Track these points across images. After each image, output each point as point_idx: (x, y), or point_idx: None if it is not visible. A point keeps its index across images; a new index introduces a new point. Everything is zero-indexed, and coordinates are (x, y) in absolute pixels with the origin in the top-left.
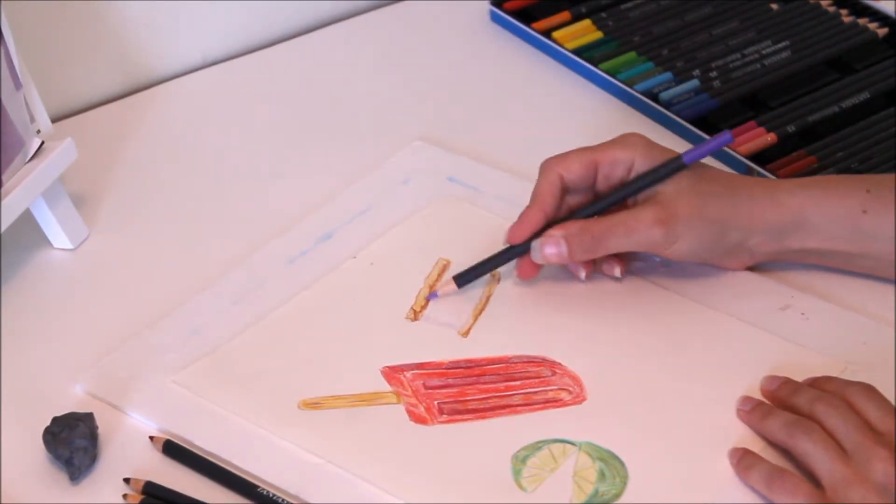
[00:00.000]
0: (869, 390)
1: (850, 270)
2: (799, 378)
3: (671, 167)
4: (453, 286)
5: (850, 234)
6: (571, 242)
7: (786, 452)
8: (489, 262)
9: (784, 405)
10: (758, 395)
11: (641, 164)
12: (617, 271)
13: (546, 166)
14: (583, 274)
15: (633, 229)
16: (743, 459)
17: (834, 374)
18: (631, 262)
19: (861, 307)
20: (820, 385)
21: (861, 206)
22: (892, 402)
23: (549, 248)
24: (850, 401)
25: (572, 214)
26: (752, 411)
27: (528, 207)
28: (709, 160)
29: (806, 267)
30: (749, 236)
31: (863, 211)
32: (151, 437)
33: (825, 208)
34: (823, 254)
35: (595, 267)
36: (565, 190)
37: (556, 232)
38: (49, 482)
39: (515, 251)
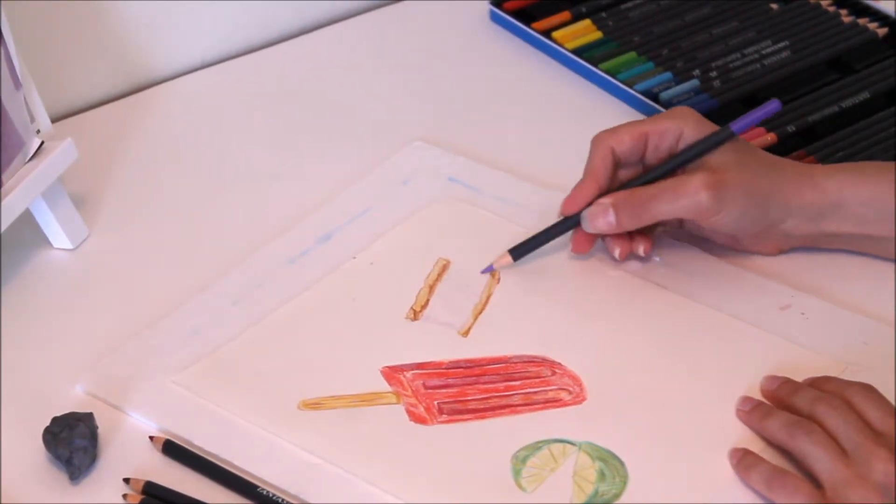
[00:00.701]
0: (869, 390)
1: (879, 255)
2: (799, 378)
3: (720, 136)
4: (509, 259)
5: (882, 217)
6: (619, 209)
7: (786, 453)
8: (544, 234)
9: (784, 405)
10: (758, 395)
11: (690, 134)
12: (641, 249)
13: (597, 140)
14: (617, 252)
15: (681, 193)
16: (743, 460)
17: (834, 375)
18: (627, 263)
19: (861, 307)
20: (819, 385)
21: (893, 190)
22: (892, 402)
23: (597, 217)
24: (850, 401)
25: (623, 186)
26: (751, 411)
27: (581, 180)
28: None
29: (806, 267)
30: (788, 215)
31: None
32: (151, 437)
33: (859, 191)
34: (855, 238)
35: (632, 246)
36: (617, 163)
37: (604, 200)
38: (49, 482)
39: (569, 223)
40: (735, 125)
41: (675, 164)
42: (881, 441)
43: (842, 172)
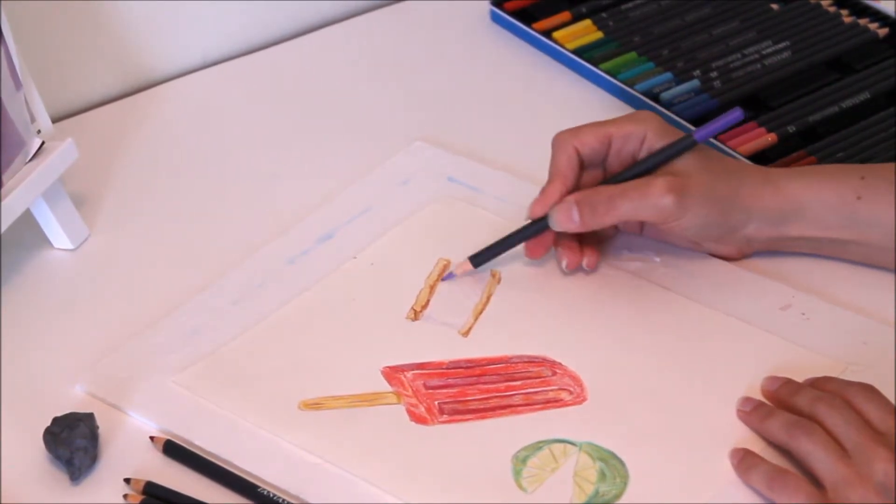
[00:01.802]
0: (869, 390)
1: (843, 258)
2: (799, 378)
3: (683, 144)
4: (469, 266)
5: (845, 221)
6: (582, 207)
7: (786, 453)
8: (507, 241)
9: (785, 405)
10: (758, 396)
11: (653, 139)
12: (585, 262)
13: (561, 140)
14: (564, 262)
15: (645, 194)
16: (744, 460)
17: (834, 375)
18: (627, 263)
19: (861, 307)
20: (820, 385)
21: (855, 193)
22: (892, 402)
23: (561, 214)
24: (851, 401)
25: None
26: (752, 412)
27: (547, 182)
28: None
29: (806, 267)
30: (749, 220)
31: (857, 197)
32: (152, 438)
33: (822, 195)
34: (819, 242)
35: (580, 258)
36: (582, 164)
37: (569, 198)
38: (49, 482)
39: (535, 227)
40: (698, 133)
41: (640, 171)
42: (882, 441)
43: (803, 176)
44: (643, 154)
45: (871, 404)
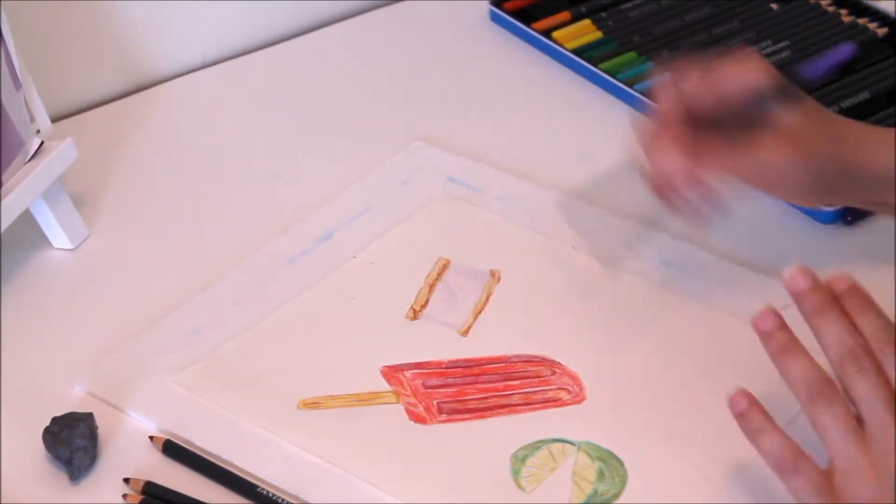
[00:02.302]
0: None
1: None
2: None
3: (795, 87)
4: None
5: None
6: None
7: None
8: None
9: (813, 326)
10: (757, 396)
11: (760, 80)
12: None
13: (663, 86)
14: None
15: (755, 153)
16: (750, 419)
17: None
18: (627, 263)
19: None
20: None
21: None
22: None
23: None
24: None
25: None
26: (774, 333)
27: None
28: None
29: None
30: (858, 184)
31: None
32: (151, 437)
33: None
34: None
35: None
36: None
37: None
38: (49, 482)
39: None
40: (807, 71)
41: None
42: None
43: None
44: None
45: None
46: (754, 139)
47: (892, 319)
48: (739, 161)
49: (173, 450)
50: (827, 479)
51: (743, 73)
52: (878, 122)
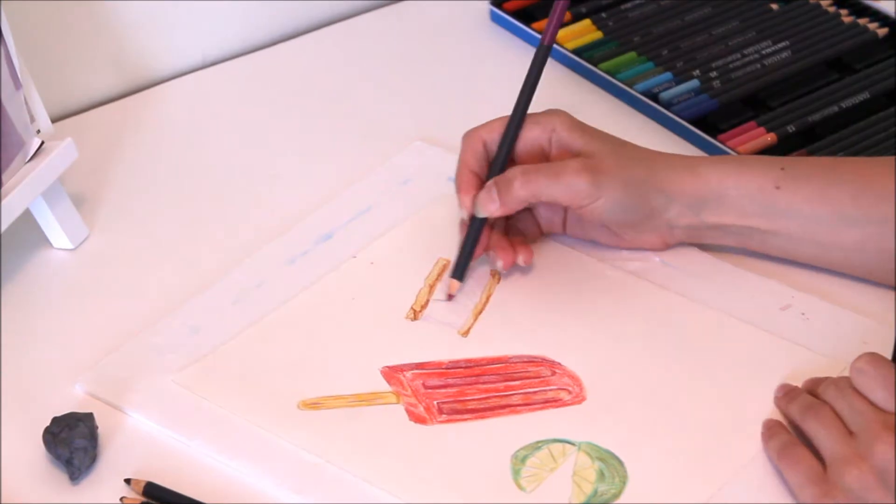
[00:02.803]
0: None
1: (767, 254)
2: (798, 379)
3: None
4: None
5: (763, 210)
6: (500, 185)
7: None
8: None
9: (810, 393)
10: (757, 397)
11: (561, 131)
12: (521, 259)
13: (468, 135)
14: (500, 263)
15: (559, 174)
16: (768, 429)
17: (834, 375)
18: (627, 263)
19: (861, 307)
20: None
21: (775, 183)
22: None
23: (485, 200)
24: (859, 386)
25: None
26: (782, 396)
27: (457, 174)
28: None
29: (806, 267)
30: (669, 204)
31: (776, 187)
32: (128, 480)
33: (741, 182)
34: (739, 231)
35: (514, 257)
36: (488, 156)
37: (488, 183)
38: (49, 482)
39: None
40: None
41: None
42: (888, 425)
43: (723, 164)
44: (553, 147)
45: (875, 383)
46: (561, 165)
47: (892, 325)
48: (545, 185)
49: (154, 492)
50: (822, 474)
51: (542, 126)
52: (878, 122)
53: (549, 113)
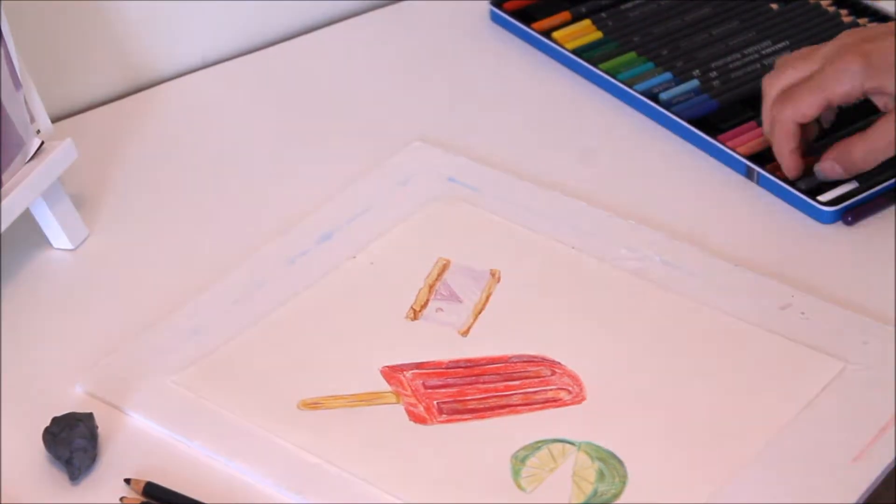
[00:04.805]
0: None
1: None
2: (798, 379)
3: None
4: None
5: None
6: (844, 163)
7: None
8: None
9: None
10: (757, 397)
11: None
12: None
13: (781, 117)
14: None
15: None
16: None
17: (834, 374)
18: (627, 263)
19: (861, 307)
20: None
21: None
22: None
23: (828, 170)
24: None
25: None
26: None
27: (780, 147)
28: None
29: (806, 267)
30: None
31: None
32: (127, 480)
33: None
34: None
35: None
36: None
37: (828, 156)
38: (49, 482)
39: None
40: None
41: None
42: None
43: None
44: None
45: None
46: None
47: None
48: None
49: (154, 492)
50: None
51: (850, 89)
52: None
53: (850, 71)
